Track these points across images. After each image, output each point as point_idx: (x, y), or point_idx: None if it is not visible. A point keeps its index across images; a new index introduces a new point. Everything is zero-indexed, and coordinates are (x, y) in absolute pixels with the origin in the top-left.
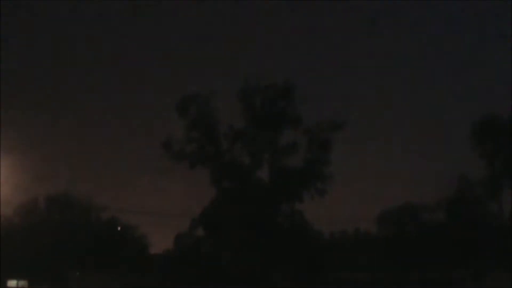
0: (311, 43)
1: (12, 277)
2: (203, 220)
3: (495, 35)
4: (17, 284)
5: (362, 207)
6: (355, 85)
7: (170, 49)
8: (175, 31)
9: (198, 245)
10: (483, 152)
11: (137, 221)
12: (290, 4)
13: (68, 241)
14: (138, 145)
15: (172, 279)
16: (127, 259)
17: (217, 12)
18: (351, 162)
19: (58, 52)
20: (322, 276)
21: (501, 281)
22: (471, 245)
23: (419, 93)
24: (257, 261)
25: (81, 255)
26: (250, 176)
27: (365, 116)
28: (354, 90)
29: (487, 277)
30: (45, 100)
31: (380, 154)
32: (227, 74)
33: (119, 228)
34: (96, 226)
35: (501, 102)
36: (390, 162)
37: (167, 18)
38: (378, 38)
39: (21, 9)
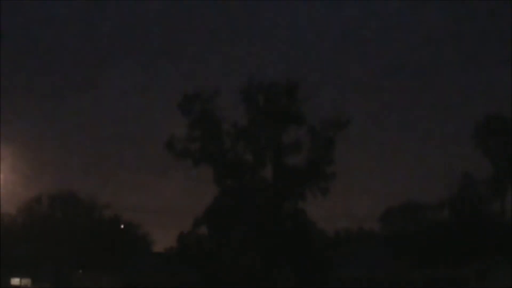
0: (314, 40)
1: (16, 275)
2: (206, 218)
3: (497, 32)
4: (20, 282)
5: (365, 205)
6: (358, 83)
7: (173, 47)
8: (178, 29)
9: (201, 244)
10: (487, 150)
11: (140, 219)
12: (293, 2)
13: (71, 239)
14: (141, 143)
15: (175, 278)
16: (129, 257)
17: (220, 10)
18: (355, 161)
19: (60, 50)
20: (325, 275)
21: (504, 279)
22: (475, 243)
23: (423, 92)
24: (260, 260)
25: (84, 253)
26: (253, 174)
27: (368, 114)
28: (358, 88)
29: (491, 275)
30: (46, 100)
31: (383, 153)
32: (230, 72)
33: (122, 226)
34: (99, 224)
35: (505, 100)
36: (393, 160)
37: (170, 17)
38: (381, 37)
39: (21, 6)
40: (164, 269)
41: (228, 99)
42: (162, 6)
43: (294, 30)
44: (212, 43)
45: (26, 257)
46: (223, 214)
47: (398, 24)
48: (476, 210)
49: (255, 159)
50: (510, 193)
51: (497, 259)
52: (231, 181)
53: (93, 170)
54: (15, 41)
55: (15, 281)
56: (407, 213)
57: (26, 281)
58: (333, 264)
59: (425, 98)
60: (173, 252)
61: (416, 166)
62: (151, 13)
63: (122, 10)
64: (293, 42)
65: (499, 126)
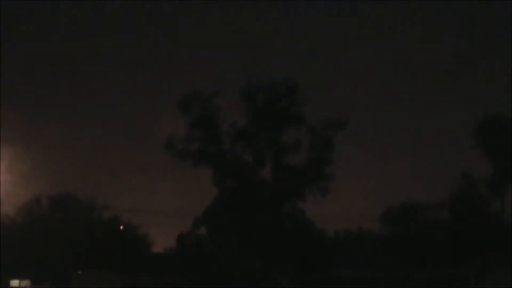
0: (314, 41)
1: (15, 277)
2: (206, 219)
3: (497, 32)
4: (20, 283)
5: (364, 205)
6: (358, 83)
7: (172, 47)
8: (178, 29)
9: (201, 244)
10: (487, 150)
11: (140, 220)
12: (293, 3)
13: (71, 240)
14: (140, 144)
15: (174, 278)
16: (129, 258)
17: (219, 10)
18: (354, 161)
19: (61, 49)
20: (324, 275)
21: (504, 279)
22: (474, 243)
23: (422, 91)
24: (259, 260)
25: (83, 254)
26: (252, 175)
27: (368, 114)
28: (357, 88)
29: (490, 275)
30: (45, 100)
31: (383, 152)
32: (230, 72)
33: (121, 227)
34: (99, 225)
35: (505, 100)
36: (393, 160)
37: (169, 16)
38: (381, 36)
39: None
40: (164, 269)
41: (227, 99)
42: (161, 5)
43: (293, 30)
44: (212, 43)
45: (25, 259)
46: (222, 215)
47: (397, 23)
48: (476, 210)
49: (254, 159)
50: (510, 192)
51: (497, 259)
52: (231, 181)
53: (92, 170)
54: (15, 42)
55: (15, 282)
56: (406, 213)
57: (26, 283)
58: (333, 264)
59: (424, 97)
60: (173, 253)
61: (416, 166)
62: (150, 13)
63: (121, 8)
64: (292, 42)
65: (499, 125)
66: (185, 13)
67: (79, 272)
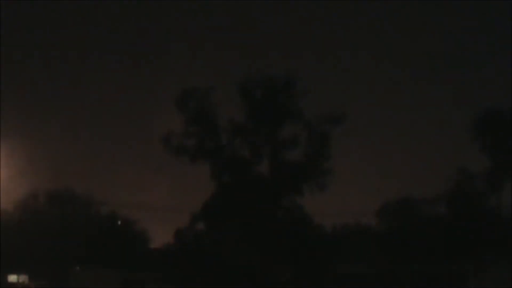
0: (311, 36)
1: (13, 273)
2: (203, 214)
3: (496, 27)
4: (18, 279)
5: (362, 200)
6: (355, 78)
7: (169, 42)
8: (174, 25)
9: (198, 240)
10: (483, 144)
11: (137, 215)
12: None
13: (68, 236)
14: (137, 139)
15: (173, 274)
16: (127, 253)
17: (216, 5)
18: (352, 156)
19: (58, 45)
20: (322, 270)
21: (503, 274)
22: (472, 238)
23: (419, 86)
24: (257, 256)
25: (81, 250)
26: (250, 170)
27: (365, 109)
28: (355, 83)
29: (489, 271)
30: (44, 93)
31: (380, 148)
32: (227, 67)
33: (119, 223)
34: (96, 220)
35: (502, 94)
36: (390, 155)
37: (166, 12)
38: (379, 31)
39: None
40: (162, 265)
41: (224, 94)
42: (159, 1)
43: (291, 25)
44: (209, 38)
45: (23, 254)
46: (220, 210)
47: (395, 19)
48: (473, 205)
49: (252, 154)
50: (507, 187)
51: (494, 254)
52: (228, 177)
53: (90, 166)
54: (14, 39)
55: (12, 278)
56: (404, 208)
57: (23, 278)
58: (331, 260)
59: (421, 92)
60: (171, 248)
61: (413, 160)
62: (148, 8)
63: (119, 4)
64: (290, 37)
65: (497, 120)
66: (182, 8)
67: (77, 267)
